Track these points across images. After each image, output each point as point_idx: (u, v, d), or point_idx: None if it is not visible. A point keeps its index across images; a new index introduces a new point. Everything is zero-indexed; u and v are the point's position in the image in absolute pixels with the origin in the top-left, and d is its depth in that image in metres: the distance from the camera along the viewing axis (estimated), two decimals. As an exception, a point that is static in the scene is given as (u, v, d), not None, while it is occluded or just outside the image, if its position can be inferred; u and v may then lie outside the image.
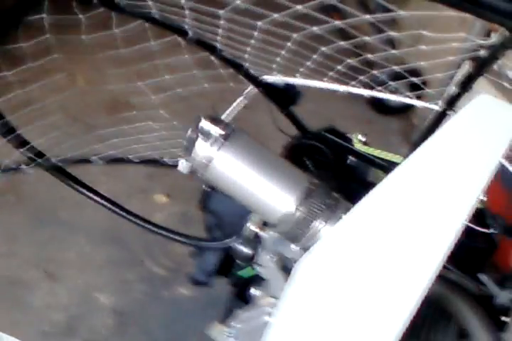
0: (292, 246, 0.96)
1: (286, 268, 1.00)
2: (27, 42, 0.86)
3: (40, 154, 1.20)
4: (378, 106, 2.84)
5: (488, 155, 0.60)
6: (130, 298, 1.87)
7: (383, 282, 0.53)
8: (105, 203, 1.49)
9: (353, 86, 0.99)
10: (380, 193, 0.58)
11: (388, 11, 0.76)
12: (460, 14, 0.64)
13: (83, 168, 1.31)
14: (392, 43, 1.59)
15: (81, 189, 1.45)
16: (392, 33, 0.86)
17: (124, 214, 1.52)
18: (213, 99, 1.94)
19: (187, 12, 0.80)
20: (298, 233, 0.92)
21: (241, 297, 1.28)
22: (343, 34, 0.93)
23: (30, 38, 0.85)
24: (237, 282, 1.31)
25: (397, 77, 1.10)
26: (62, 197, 2.18)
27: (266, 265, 1.02)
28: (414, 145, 0.86)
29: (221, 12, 0.74)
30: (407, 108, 2.83)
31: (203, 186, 1.38)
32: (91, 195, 1.46)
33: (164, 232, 1.50)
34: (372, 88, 1.02)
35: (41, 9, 0.77)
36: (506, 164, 0.99)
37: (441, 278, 0.93)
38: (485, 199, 1.04)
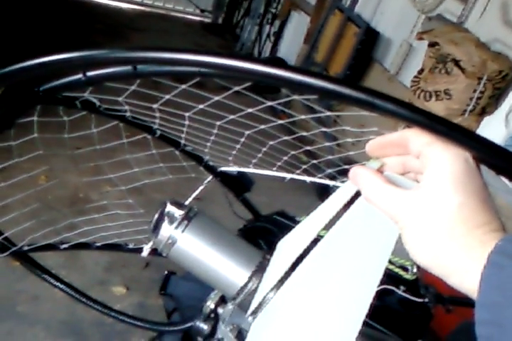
0: (246, 316, 1.06)
1: (242, 338, 1.08)
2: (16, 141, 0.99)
3: (10, 242, 1.29)
4: (323, 194, 3.04)
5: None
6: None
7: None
8: (69, 291, 1.56)
9: (297, 174, 1.15)
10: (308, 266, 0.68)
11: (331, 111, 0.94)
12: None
13: (43, 262, 1.38)
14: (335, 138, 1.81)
15: (47, 277, 1.53)
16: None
17: (85, 301, 1.59)
18: (170, 192, 2.08)
19: (156, 114, 0.96)
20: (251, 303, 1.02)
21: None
22: (290, 131, 1.11)
23: (21, 136, 0.98)
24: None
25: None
26: (19, 291, 2.20)
27: (225, 336, 1.10)
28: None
29: (186, 114, 0.90)
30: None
31: (165, 272, 1.47)
32: (55, 282, 1.53)
33: (126, 319, 1.57)
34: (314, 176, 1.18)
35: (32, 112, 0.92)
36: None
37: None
38: (416, 270, 1.18)
